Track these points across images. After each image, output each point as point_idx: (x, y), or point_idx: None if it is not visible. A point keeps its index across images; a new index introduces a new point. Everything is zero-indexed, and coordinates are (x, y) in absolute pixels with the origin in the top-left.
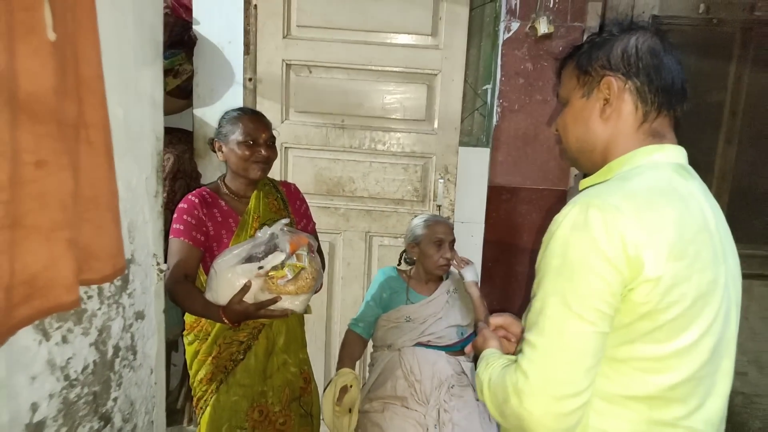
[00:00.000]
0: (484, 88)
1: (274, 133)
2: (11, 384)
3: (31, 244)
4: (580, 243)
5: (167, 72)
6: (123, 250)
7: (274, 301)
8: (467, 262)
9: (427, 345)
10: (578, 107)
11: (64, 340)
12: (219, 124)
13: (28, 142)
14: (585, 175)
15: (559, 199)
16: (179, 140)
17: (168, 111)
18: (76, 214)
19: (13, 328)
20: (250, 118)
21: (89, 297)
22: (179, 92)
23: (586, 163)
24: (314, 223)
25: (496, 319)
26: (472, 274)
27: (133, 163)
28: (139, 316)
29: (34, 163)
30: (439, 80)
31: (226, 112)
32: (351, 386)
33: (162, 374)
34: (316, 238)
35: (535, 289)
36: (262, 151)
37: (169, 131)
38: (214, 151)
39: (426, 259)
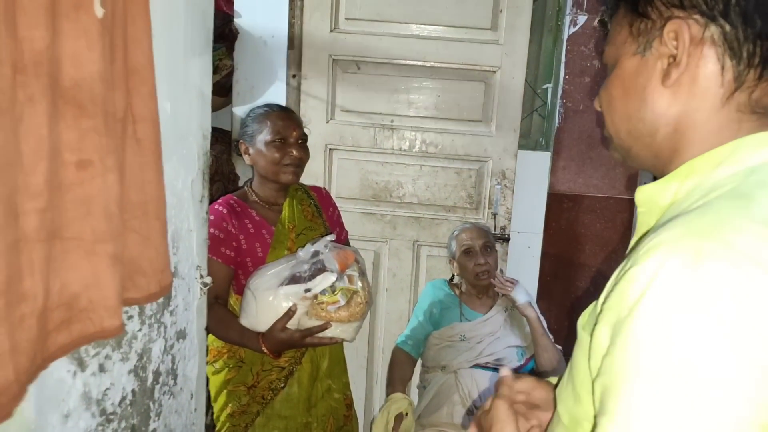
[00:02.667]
0: (545, 87)
1: (306, 131)
2: (43, 425)
3: (72, 260)
4: (694, 332)
5: None
6: (170, 264)
7: (323, 328)
8: (513, 283)
9: (485, 367)
10: (630, 70)
11: (102, 368)
12: (243, 123)
13: (70, 139)
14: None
15: (627, 210)
16: (217, 140)
17: None
18: (122, 223)
19: (47, 360)
20: (279, 114)
21: (129, 317)
22: (218, 89)
23: (644, 156)
24: (347, 232)
25: (515, 384)
26: (523, 295)
27: (178, 165)
28: (181, 335)
29: (76, 164)
30: (498, 78)
31: (251, 110)
32: (406, 414)
33: (202, 398)
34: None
35: (596, 402)
36: (294, 152)
37: None
38: (240, 155)
39: (463, 272)
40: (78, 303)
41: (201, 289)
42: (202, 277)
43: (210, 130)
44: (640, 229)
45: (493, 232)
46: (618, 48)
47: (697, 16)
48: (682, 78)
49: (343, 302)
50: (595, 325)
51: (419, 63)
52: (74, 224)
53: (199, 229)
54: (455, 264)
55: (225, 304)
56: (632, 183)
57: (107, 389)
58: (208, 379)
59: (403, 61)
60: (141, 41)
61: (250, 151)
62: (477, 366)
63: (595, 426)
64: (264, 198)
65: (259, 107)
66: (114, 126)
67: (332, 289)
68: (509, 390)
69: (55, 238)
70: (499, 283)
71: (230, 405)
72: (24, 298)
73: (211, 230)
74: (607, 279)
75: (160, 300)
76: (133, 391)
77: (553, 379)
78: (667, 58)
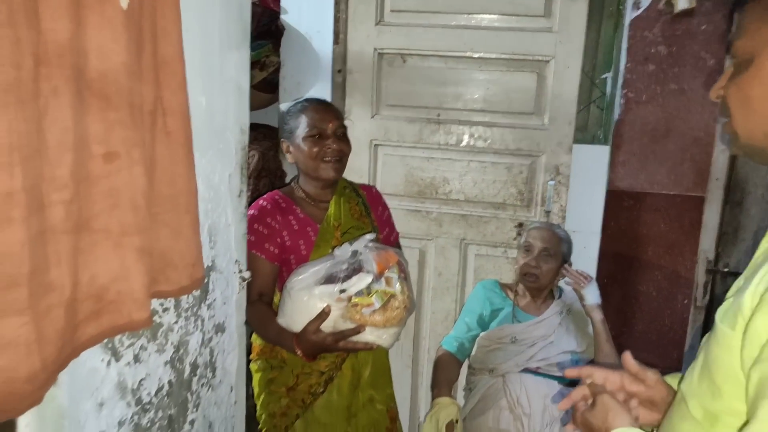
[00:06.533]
0: (603, 76)
1: (347, 123)
2: (76, 412)
3: (100, 252)
4: None
5: (253, 64)
6: (202, 257)
7: (356, 331)
8: (587, 279)
9: (536, 372)
10: None
11: (137, 359)
12: (283, 121)
13: (96, 131)
14: None
15: (696, 208)
16: (264, 137)
17: (253, 106)
18: (151, 216)
19: (77, 350)
20: (315, 107)
21: (165, 309)
22: (265, 86)
23: None
24: (397, 233)
25: (608, 376)
26: (594, 295)
27: (215, 159)
28: (219, 329)
29: (103, 156)
30: (552, 68)
31: (290, 107)
32: (456, 421)
33: (242, 392)
34: (399, 249)
35: (751, 387)
36: (331, 144)
37: (254, 127)
38: (284, 154)
39: (518, 267)
40: (107, 295)
41: (240, 283)
42: (240, 271)
43: (248, 124)
44: None
45: None
46: (758, 43)
47: None
48: None
49: (378, 305)
50: (752, 315)
51: (467, 54)
52: (102, 216)
53: (238, 223)
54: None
55: (269, 302)
56: (701, 180)
57: (143, 379)
58: (251, 374)
59: (450, 53)
60: (170, 33)
61: (291, 149)
62: (527, 371)
63: (751, 413)
64: (310, 195)
65: (297, 103)
66: (141, 118)
67: (368, 290)
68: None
69: (83, 230)
70: (572, 276)
71: (270, 405)
72: (51, 288)
73: (255, 226)
74: (673, 283)
75: (197, 293)
76: (169, 382)
77: (672, 380)
78: None
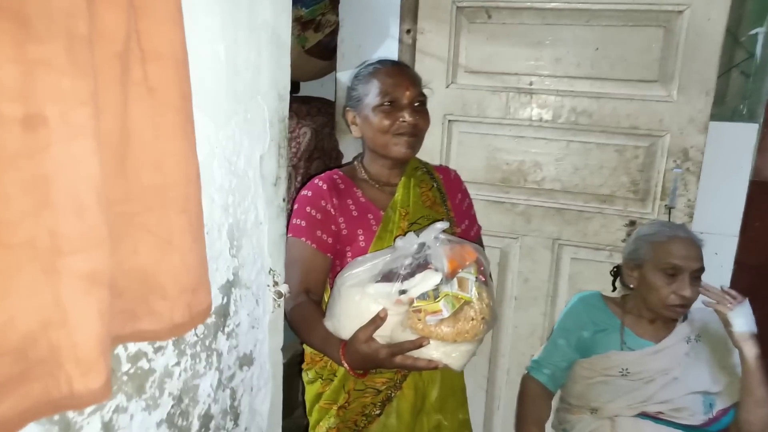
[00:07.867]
0: (753, 32)
1: (426, 92)
2: None
3: (19, 282)
4: None
5: (308, 24)
6: (207, 278)
7: (417, 345)
8: (737, 300)
9: (656, 419)
10: None
11: (107, 428)
12: (350, 86)
13: (6, 78)
14: None
15: None
16: (318, 111)
17: (307, 75)
18: (122, 219)
19: None
20: (389, 70)
21: (158, 349)
22: (321, 50)
23: None
24: (479, 227)
25: None
26: (746, 321)
27: (240, 133)
28: (245, 361)
29: (21, 121)
30: (686, 20)
31: (359, 69)
32: None
33: None
34: (481, 247)
35: None
36: (406, 116)
37: (307, 100)
38: (348, 126)
39: (650, 292)
40: (33, 350)
41: (275, 300)
42: (276, 284)
43: (288, 88)
44: None
45: None
46: None
47: None
48: None
49: (447, 313)
50: None
51: (572, 6)
52: (23, 224)
53: (273, 221)
54: (637, 273)
55: (318, 301)
56: None
57: None
58: (304, 388)
59: (549, 5)
60: None
61: (357, 120)
62: (644, 415)
63: None
64: (375, 176)
65: (368, 65)
66: (91, 60)
67: (435, 293)
68: None
69: None
70: (714, 295)
71: (321, 424)
72: None
73: (307, 209)
74: None
75: (212, 319)
76: None
77: None
78: None
